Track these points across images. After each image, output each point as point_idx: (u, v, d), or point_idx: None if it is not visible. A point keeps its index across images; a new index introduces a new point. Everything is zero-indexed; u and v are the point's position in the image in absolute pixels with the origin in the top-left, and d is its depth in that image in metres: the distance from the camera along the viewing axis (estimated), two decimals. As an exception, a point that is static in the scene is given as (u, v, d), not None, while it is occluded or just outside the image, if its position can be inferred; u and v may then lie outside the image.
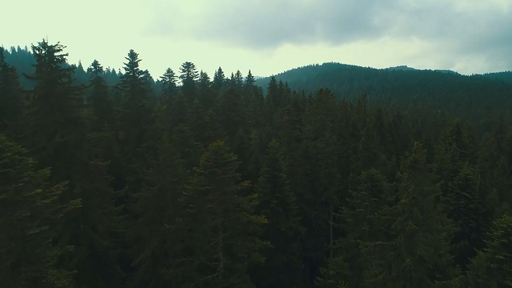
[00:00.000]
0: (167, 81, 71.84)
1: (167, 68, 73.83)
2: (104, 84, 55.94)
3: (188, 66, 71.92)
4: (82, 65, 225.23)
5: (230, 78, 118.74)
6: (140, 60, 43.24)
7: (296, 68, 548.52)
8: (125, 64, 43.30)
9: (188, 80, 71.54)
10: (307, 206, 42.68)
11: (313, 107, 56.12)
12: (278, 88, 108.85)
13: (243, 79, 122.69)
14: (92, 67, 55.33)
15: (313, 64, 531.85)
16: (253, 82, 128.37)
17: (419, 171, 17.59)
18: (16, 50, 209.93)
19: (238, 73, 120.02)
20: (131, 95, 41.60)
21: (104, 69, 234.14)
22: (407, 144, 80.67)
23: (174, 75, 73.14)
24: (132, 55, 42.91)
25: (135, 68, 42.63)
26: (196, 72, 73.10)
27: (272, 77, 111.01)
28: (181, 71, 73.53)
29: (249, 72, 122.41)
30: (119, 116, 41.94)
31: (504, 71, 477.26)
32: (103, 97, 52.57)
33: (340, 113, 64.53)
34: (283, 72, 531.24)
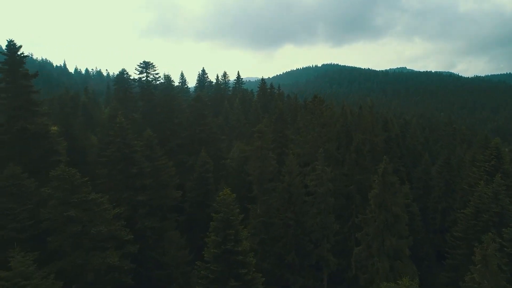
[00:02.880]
0: (122, 86, 56.37)
1: (121, 69, 58.67)
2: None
3: (146, 66, 56.25)
4: (68, 66, 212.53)
5: (215, 81, 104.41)
6: (26, 56, 27.58)
7: (295, 69, 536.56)
8: (-1, 63, 27.23)
9: (146, 85, 55.86)
10: (289, 272, 29.31)
11: (304, 120, 42.65)
12: (269, 92, 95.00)
13: (230, 82, 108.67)
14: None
15: (312, 65, 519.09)
16: (243, 85, 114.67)
17: None
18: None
19: (224, 74, 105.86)
20: (10, 111, 26.22)
21: (90, 69, 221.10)
22: (418, 158, 69.12)
23: (131, 77, 58.23)
24: (11, 47, 26.60)
25: (20, 69, 26.55)
26: (157, 74, 57.67)
27: (262, 79, 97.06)
28: (138, 72, 57.67)
29: (238, 73, 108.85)
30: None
31: (506, 72, 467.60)
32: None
33: (339, 123, 51.08)
34: (281, 73, 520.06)
